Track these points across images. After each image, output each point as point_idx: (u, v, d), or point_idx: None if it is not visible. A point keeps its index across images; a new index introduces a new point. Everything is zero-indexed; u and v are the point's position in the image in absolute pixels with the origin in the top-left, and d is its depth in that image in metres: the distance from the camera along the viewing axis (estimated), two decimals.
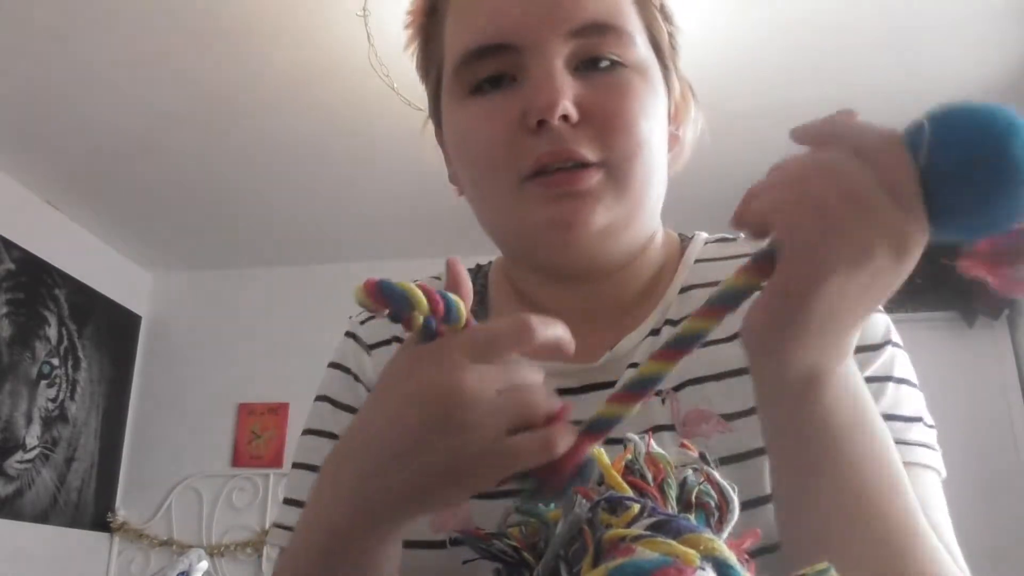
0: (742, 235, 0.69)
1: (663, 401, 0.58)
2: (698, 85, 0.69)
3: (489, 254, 0.68)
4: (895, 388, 0.59)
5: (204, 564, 3.22)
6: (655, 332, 0.62)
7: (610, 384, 0.58)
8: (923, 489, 0.55)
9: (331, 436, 0.67)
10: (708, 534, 0.29)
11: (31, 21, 2.29)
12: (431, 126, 0.69)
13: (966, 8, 2.26)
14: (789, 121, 0.40)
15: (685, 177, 0.68)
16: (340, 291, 3.72)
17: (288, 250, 3.75)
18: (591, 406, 0.44)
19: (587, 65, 0.57)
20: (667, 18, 0.63)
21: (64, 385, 3.33)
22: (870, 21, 2.31)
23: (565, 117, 0.54)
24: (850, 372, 0.45)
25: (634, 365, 0.60)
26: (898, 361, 0.60)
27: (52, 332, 3.27)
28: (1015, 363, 2.93)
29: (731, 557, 0.28)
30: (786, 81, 2.54)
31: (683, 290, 0.64)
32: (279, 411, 3.61)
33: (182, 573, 3.15)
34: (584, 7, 0.57)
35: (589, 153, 0.55)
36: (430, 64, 0.65)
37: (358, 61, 2.33)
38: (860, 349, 0.59)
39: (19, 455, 3.04)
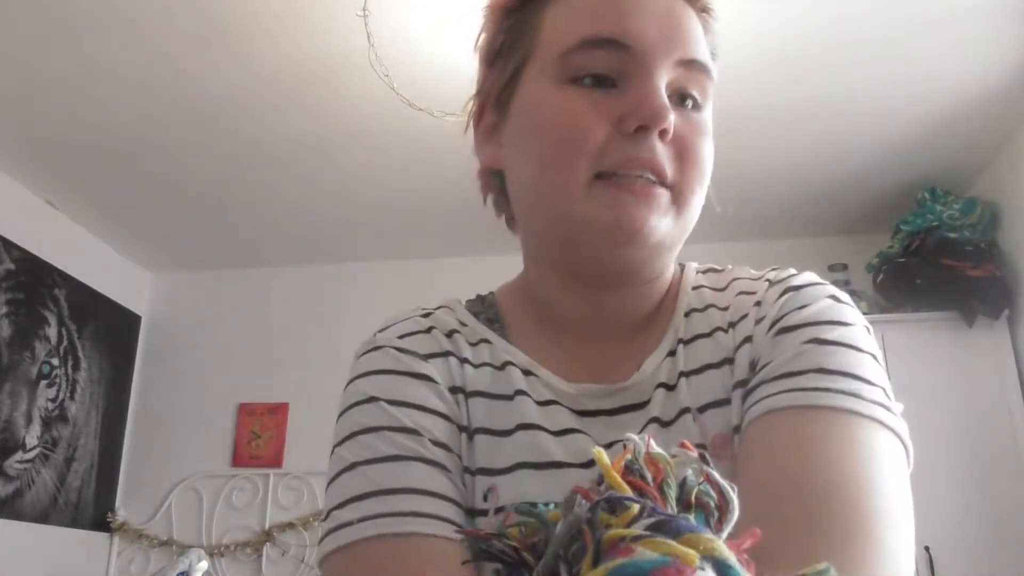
0: (730, 265, 0.72)
1: (693, 419, 0.59)
2: None
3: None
4: (855, 354, 0.54)
5: (204, 564, 3.22)
6: (672, 353, 0.64)
7: (642, 405, 0.60)
8: (880, 446, 0.50)
9: (388, 428, 0.58)
10: (708, 534, 0.29)
11: (31, 21, 2.29)
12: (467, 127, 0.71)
13: (965, 8, 2.26)
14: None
15: None
16: (340, 291, 3.72)
17: (288, 250, 3.75)
18: (625, 427, 0.50)
19: (674, 98, 0.60)
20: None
21: (64, 385, 3.33)
22: (870, 21, 2.31)
23: (664, 132, 0.57)
24: None
25: (662, 385, 0.61)
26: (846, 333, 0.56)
27: (52, 332, 3.28)
28: (1015, 363, 2.93)
29: (731, 557, 0.28)
30: (785, 81, 2.54)
31: (687, 313, 0.66)
32: (279, 411, 3.61)
33: (182, 573, 3.15)
34: (696, 43, 0.61)
35: (669, 172, 0.59)
36: (516, 46, 0.64)
37: (358, 61, 2.33)
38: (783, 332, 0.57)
39: (19, 455, 3.05)
